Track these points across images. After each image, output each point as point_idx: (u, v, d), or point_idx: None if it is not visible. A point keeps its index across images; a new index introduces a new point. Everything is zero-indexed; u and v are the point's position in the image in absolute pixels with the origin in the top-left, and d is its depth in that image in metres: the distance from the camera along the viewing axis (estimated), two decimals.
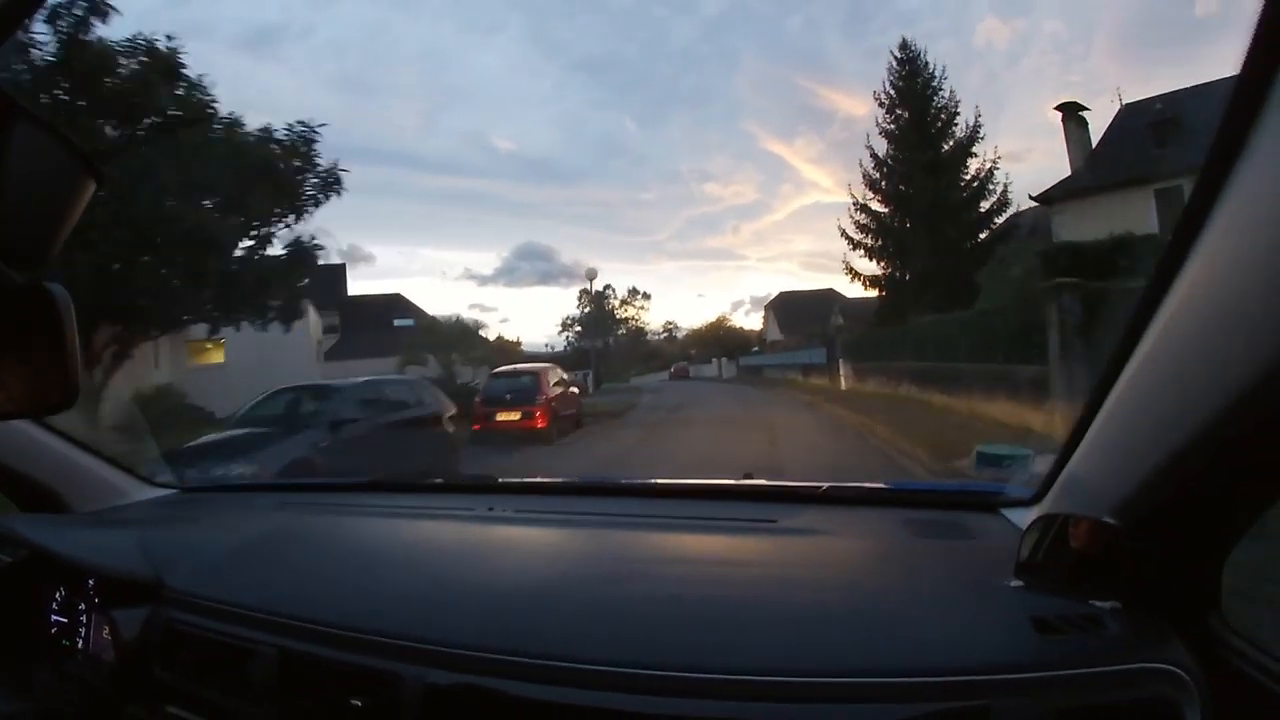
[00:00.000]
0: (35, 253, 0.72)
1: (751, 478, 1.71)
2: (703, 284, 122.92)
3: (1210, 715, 0.86)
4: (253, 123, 12.84)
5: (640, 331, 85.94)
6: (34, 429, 1.74)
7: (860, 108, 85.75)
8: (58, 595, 1.54)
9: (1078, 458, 1.03)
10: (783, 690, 0.92)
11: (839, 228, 27.53)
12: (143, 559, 1.48)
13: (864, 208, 27.16)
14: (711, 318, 76.28)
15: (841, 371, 27.41)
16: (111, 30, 10.50)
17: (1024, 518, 1.19)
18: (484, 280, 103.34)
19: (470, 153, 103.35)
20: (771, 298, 60.83)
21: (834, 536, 1.30)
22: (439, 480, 2.26)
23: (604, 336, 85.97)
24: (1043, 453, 1.27)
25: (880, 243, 26.83)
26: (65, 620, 1.52)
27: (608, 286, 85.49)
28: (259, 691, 1.20)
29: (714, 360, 59.64)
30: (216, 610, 1.34)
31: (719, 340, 67.81)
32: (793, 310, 52.09)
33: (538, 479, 2.00)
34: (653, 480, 1.84)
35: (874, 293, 27.18)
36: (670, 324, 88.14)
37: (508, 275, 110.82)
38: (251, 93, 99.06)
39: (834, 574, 1.16)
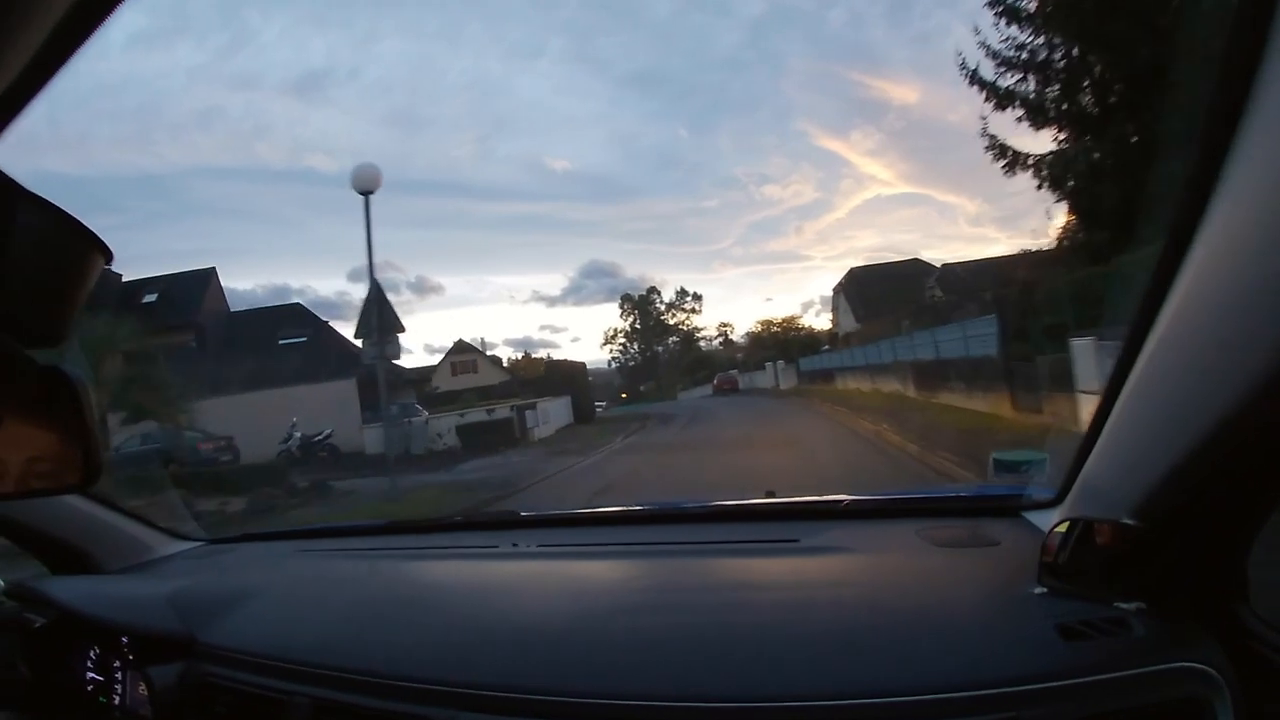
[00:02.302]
0: (50, 333, 0.73)
1: (774, 495, 1.68)
2: (769, 288, 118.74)
3: (1243, 711, 0.87)
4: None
5: (690, 337, 74.92)
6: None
7: (913, 94, 77.77)
8: (92, 654, 1.50)
9: (1095, 457, 1.00)
10: (812, 716, 0.92)
11: (963, 67, 15.15)
12: (174, 615, 1.47)
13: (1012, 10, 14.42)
14: (770, 319, 67.52)
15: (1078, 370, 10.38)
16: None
17: (1046, 520, 1.16)
18: (552, 301, 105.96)
19: (527, 177, 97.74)
20: (840, 279, 47.21)
21: (857, 554, 1.27)
22: (459, 518, 2.25)
23: (650, 345, 76.24)
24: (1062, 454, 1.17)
25: (1051, 87, 14.30)
26: (101, 678, 1.49)
27: (652, 290, 76.81)
28: None
29: (767, 365, 47.34)
30: (249, 663, 1.32)
31: (780, 342, 56.57)
32: (872, 289, 39.08)
33: (558, 511, 1.99)
34: (674, 504, 1.78)
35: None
36: (725, 326, 77.75)
37: (575, 294, 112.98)
38: (307, 135, 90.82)
39: (858, 593, 1.14)
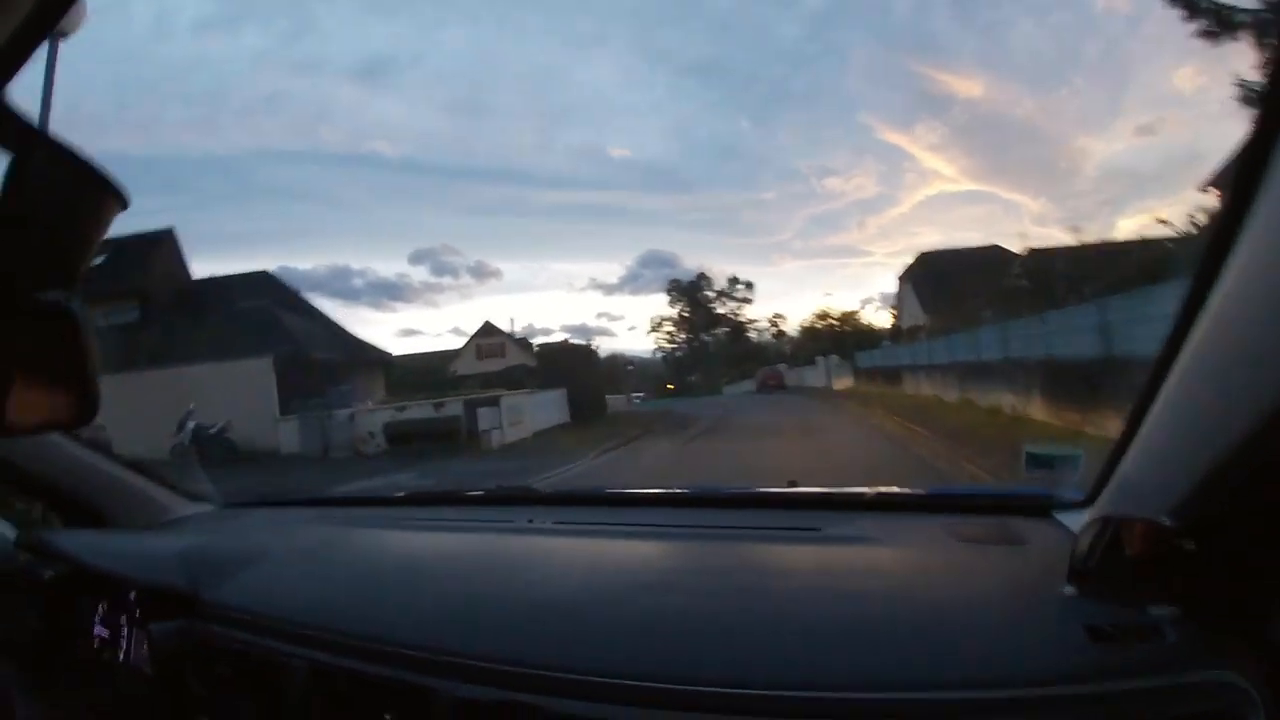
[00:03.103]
0: (63, 274, 0.74)
1: (797, 485, 1.58)
2: (828, 283, 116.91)
3: None
4: None
5: (740, 328, 69.26)
6: (76, 446, 1.75)
7: (978, 88, 75.97)
8: (101, 608, 1.49)
9: (1131, 456, 0.95)
10: (827, 707, 0.89)
11: None
12: (180, 572, 1.47)
13: None
14: (826, 310, 62.55)
15: None
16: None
17: (1077, 521, 1.10)
18: (609, 290, 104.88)
19: (587, 166, 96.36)
20: (907, 265, 40.62)
21: (880, 545, 1.21)
22: (478, 492, 2.06)
23: (699, 335, 70.66)
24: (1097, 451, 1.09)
25: None
26: (108, 633, 1.47)
27: (702, 277, 71.73)
28: (290, 705, 1.18)
29: (819, 360, 40.96)
30: (250, 623, 1.31)
31: (835, 335, 50.59)
32: (945, 277, 32.58)
33: (577, 489, 2.10)
34: (693, 490, 1.72)
35: None
36: (777, 317, 71.78)
37: (632, 283, 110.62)
38: (370, 120, 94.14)
39: (880, 584, 1.08)
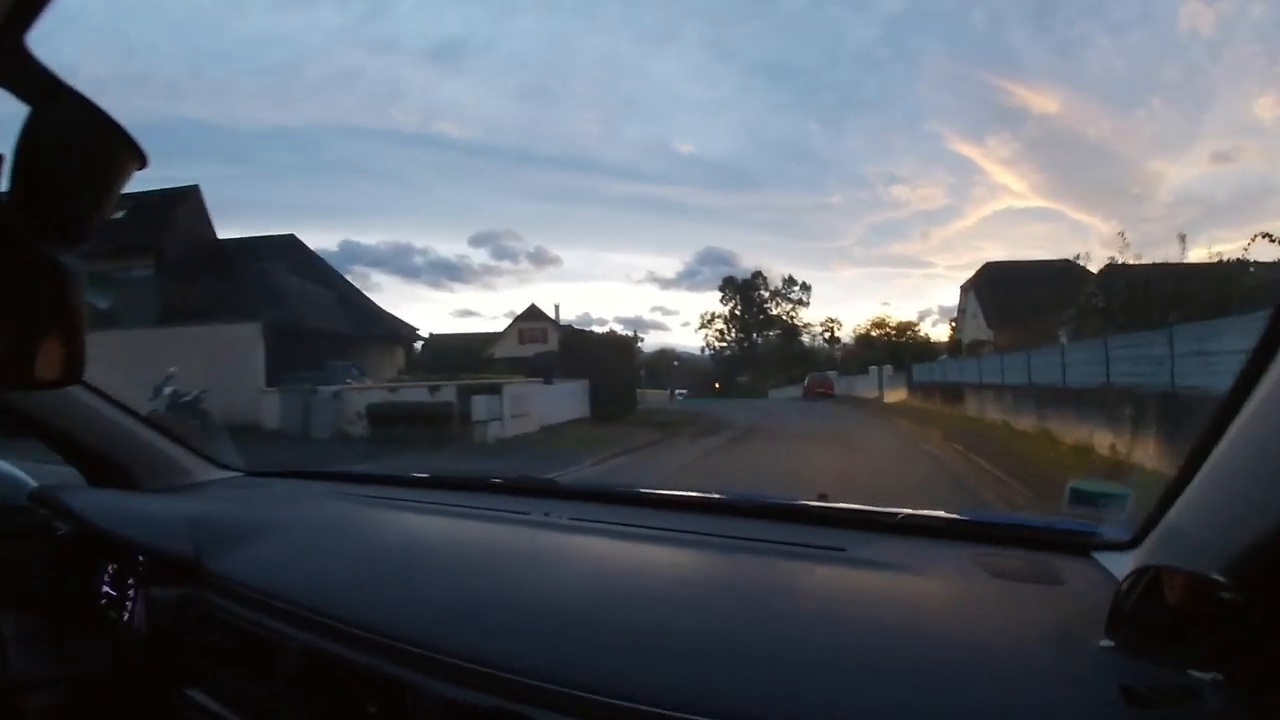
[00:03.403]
0: (74, 228, 0.73)
1: (827, 499, 1.52)
2: (887, 292, 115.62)
3: None
4: None
5: (792, 331, 66.88)
6: (106, 405, 1.72)
7: (1052, 104, 73.99)
8: (110, 568, 1.51)
9: (1185, 499, 0.90)
10: None
11: None
12: (186, 540, 1.47)
13: None
14: (883, 318, 59.98)
15: None
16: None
17: (1119, 564, 1.05)
18: (666, 284, 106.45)
19: (652, 159, 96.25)
20: (971, 276, 37.99)
21: (906, 572, 1.14)
22: (499, 479, 1.98)
23: (750, 335, 71.06)
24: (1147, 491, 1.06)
25: None
26: (115, 593, 1.49)
27: (758, 275, 70.51)
28: (278, 684, 1.17)
29: (871, 370, 37.95)
30: (248, 598, 1.30)
31: (891, 345, 47.70)
32: (1012, 290, 29.98)
33: (600, 486, 2.03)
34: (718, 494, 1.63)
35: None
36: (831, 321, 68.88)
37: (689, 279, 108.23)
38: (440, 102, 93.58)
39: (904, 617, 1.01)
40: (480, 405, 15.16)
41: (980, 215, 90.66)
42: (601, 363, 22.56)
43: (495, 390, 16.02)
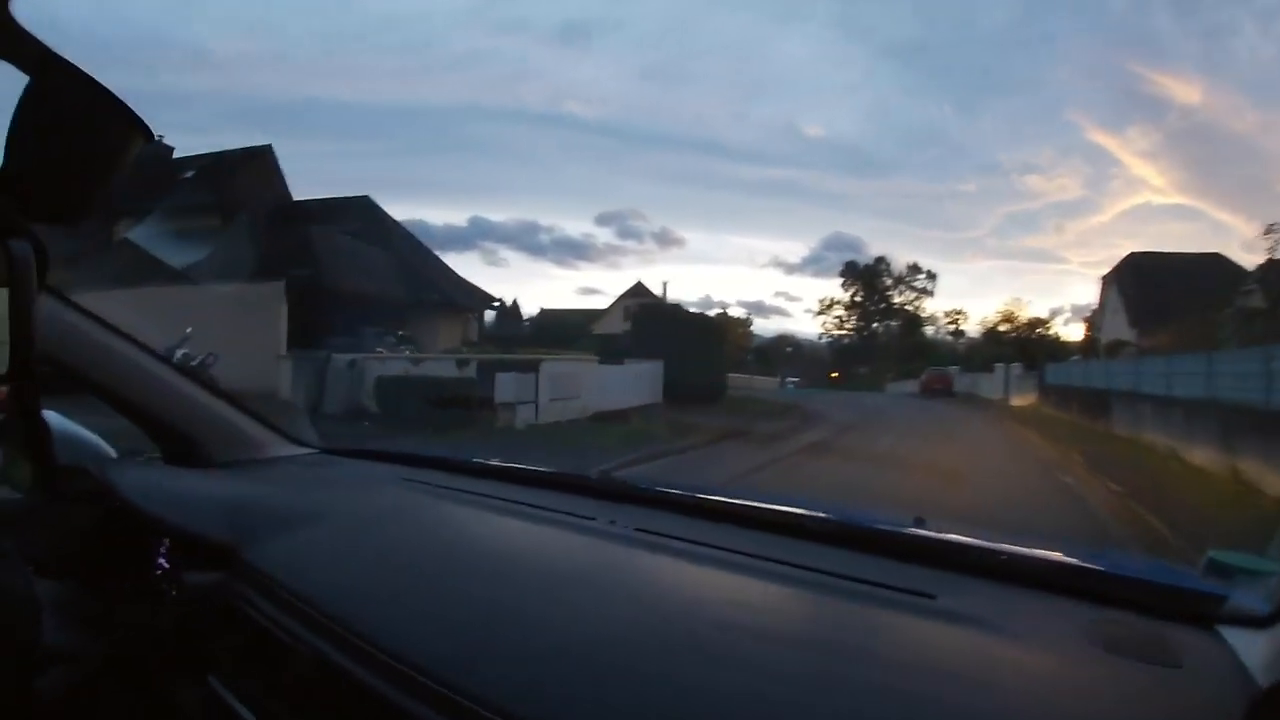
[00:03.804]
0: (73, 206, 0.72)
1: (924, 524, 1.33)
2: (1018, 287, 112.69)
3: None
4: None
5: (914, 321, 64.33)
6: (179, 378, 1.72)
7: (1195, 94, 68.82)
8: (165, 543, 1.43)
9: None
10: None
11: None
12: (224, 524, 1.40)
13: None
14: (1013, 309, 56.10)
15: None
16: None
17: (1249, 643, 0.89)
18: (790, 269, 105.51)
19: (779, 142, 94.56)
20: (1116, 266, 33.68)
21: (1001, 636, 0.96)
22: (572, 476, 1.81)
23: (869, 324, 69.28)
24: None
25: None
26: (168, 567, 1.41)
27: (880, 261, 66.49)
28: (284, 688, 1.14)
29: (997, 368, 33.33)
30: (272, 592, 1.23)
31: (1020, 342, 44.48)
32: (1161, 285, 27.52)
33: (678, 492, 1.58)
34: (801, 511, 1.40)
35: None
36: (956, 313, 64.78)
37: (814, 265, 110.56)
38: (568, 82, 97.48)
39: (990, 698, 0.84)
40: (506, 386, 12.78)
41: (1117, 210, 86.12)
42: (681, 343, 19.78)
43: (530, 368, 13.57)
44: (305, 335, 15.22)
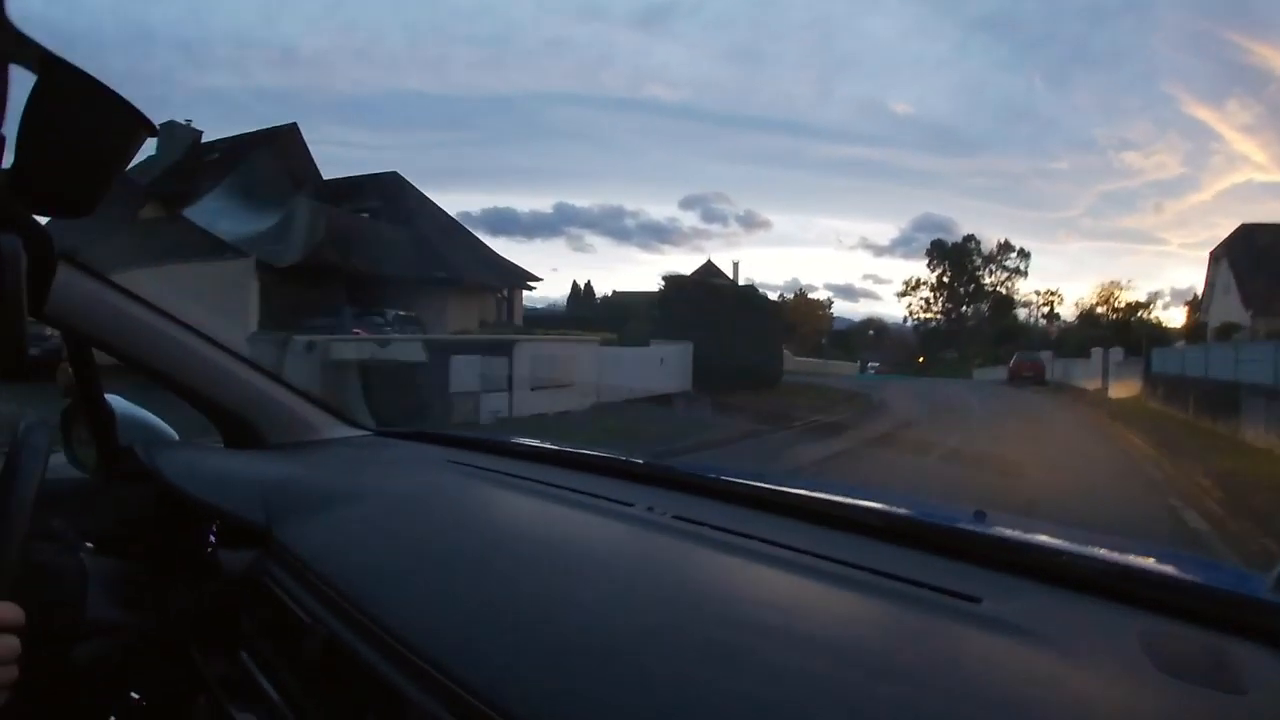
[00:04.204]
0: (78, 201, 0.75)
1: (985, 518, 1.21)
2: (1115, 269, 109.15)
3: None
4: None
5: (1005, 303, 61.52)
6: (234, 362, 1.74)
7: None
8: (215, 524, 1.45)
9: None
10: None
11: None
12: (259, 505, 1.38)
13: None
14: (1112, 288, 52.97)
15: None
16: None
17: None
18: (879, 251, 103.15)
19: (865, 120, 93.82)
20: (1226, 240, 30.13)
21: (1048, 646, 0.85)
22: (622, 461, 1.70)
23: (957, 306, 65.49)
24: None
25: None
26: (214, 545, 1.43)
27: (969, 239, 62.42)
28: (300, 666, 1.12)
29: (1094, 353, 29.25)
30: (299, 572, 1.23)
31: (1121, 325, 40.20)
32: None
33: (720, 477, 1.48)
34: (853, 503, 1.30)
35: None
36: (1050, 294, 60.19)
37: (904, 247, 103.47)
38: (649, 66, 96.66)
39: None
40: (464, 371, 10.59)
41: (1218, 189, 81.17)
42: (720, 322, 17.22)
43: (501, 350, 11.34)
44: (280, 315, 13.58)
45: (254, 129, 22.84)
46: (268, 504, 1.39)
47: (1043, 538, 1.11)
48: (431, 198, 23.39)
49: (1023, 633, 0.86)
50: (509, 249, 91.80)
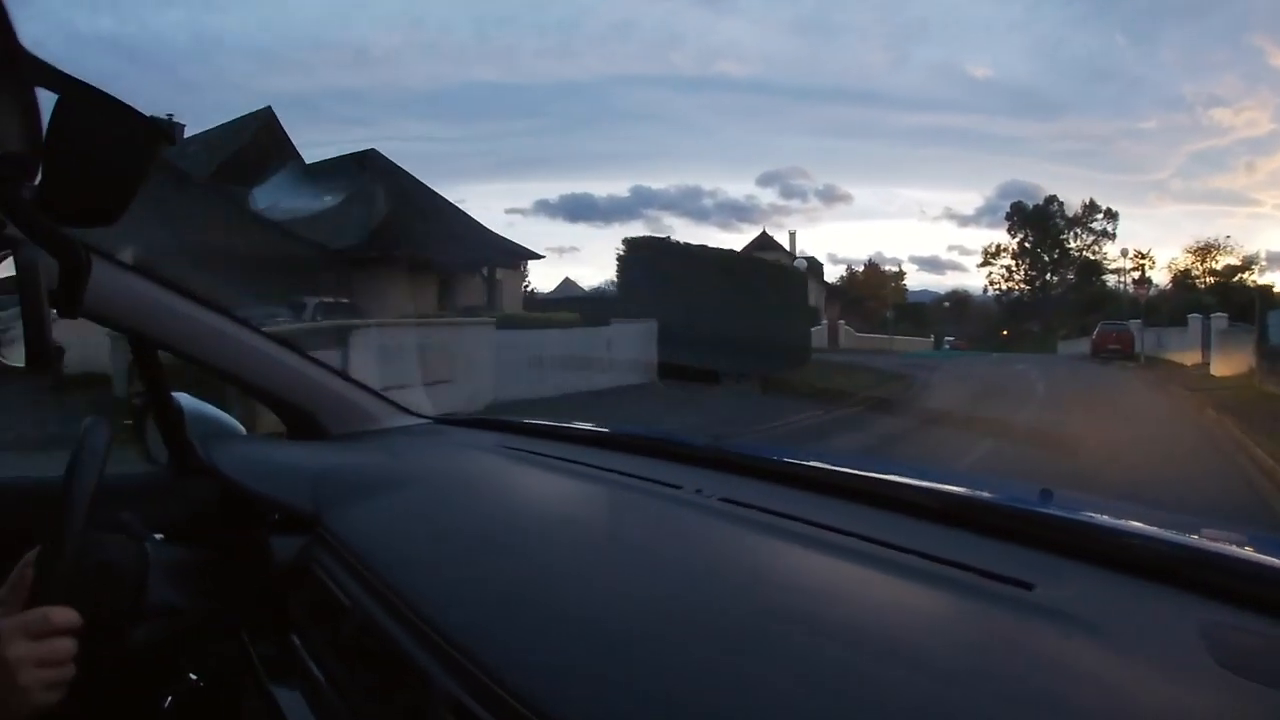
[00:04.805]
0: (101, 211, 0.79)
1: (1051, 498, 1.10)
2: (1208, 233, 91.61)
3: None
4: None
5: (1093, 268, 56.84)
6: (295, 357, 1.77)
7: None
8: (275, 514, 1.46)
9: None
10: None
11: None
12: (309, 494, 1.40)
13: None
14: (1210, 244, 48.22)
15: None
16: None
17: None
18: (964, 221, 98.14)
19: (943, 86, 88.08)
20: None
21: (1102, 639, 0.76)
22: (678, 442, 1.66)
23: (1041, 273, 59.80)
24: None
25: None
26: (272, 533, 1.42)
27: (1051, 200, 57.32)
28: (343, 650, 1.12)
29: (1192, 320, 24.36)
30: (343, 558, 1.23)
31: (1222, 291, 35.67)
32: None
33: (775, 458, 1.43)
34: (905, 481, 1.22)
35: None
36: (1141, 257, 54.18)
37: (990, 216, 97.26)
38: (718, 43, 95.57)
39: None
40: None
41: None
42: (698, 295, 13.87)
43: (336, 340, 8.38)
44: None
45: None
46: (317, 492, 1.39)
47: (1105, 518, 1.05)
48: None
49: (1073, 621, 0.78)
50: (587, 235, 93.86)
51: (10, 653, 0.83)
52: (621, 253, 15.10)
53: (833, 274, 59.80)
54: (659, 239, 17.89)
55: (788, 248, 46.40)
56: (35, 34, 0.67)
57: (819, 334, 36.72)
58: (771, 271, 20.02)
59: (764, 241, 45.60)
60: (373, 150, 21.23)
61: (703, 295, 14.00)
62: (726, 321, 13.51)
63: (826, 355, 26.79)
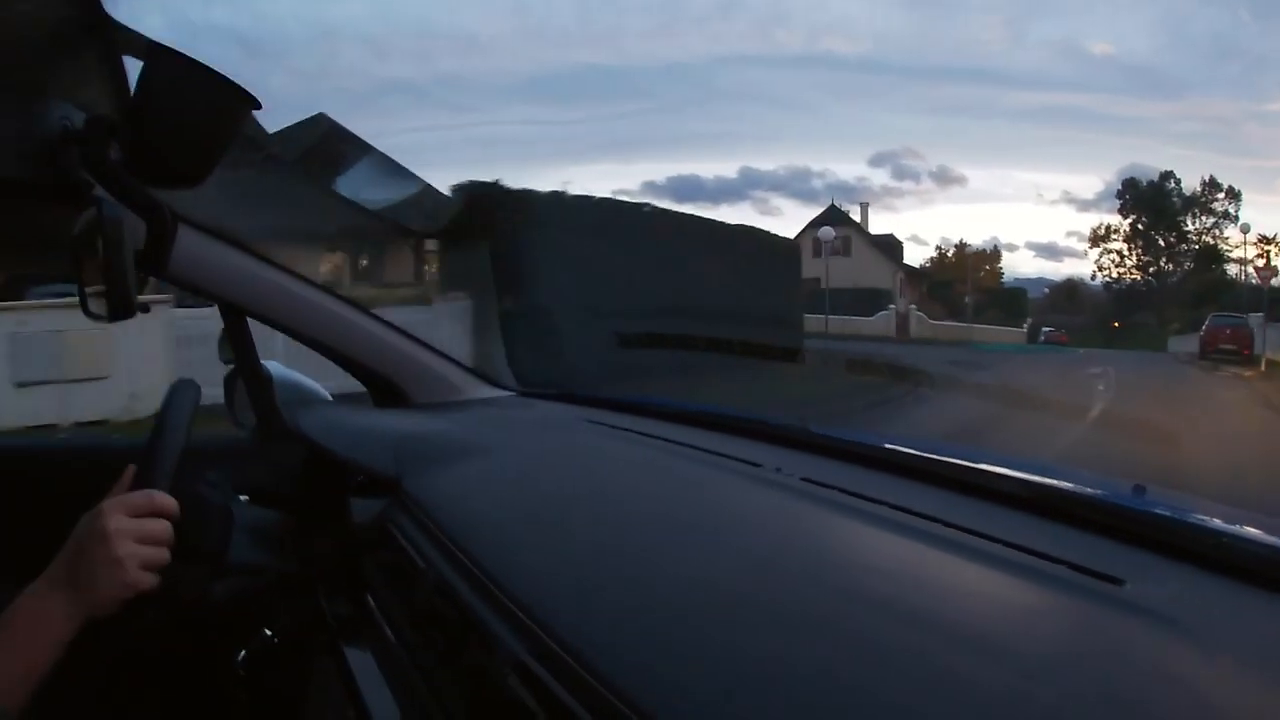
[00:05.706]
0: (186, 173, 0.81)
1: (1144, 493, 1.04)
2: None
3: None
4: None
5: (1212, 254, 50.11)
6: (381, 327, 1.74)
7: None
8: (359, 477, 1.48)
9: None
10: None
11: None
12: (390, 458, 1.37)
13: None
14: None
15: None
16: None
17: None
18: (1084, 205, 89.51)
19: (1062, 64, 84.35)
20: None
21: (1192, 642, 0.71)
22: (767, 422, 1.57)
23: (1156, 259, 53.50)
24: None
25: None
26: (353, 496, 1.47)
27: (1167, 177, 51.93)
28: (416, 613, 1.11)
29: None
30: (419, 521, 1.21)
31: None
32: None
33: (863, 441, 1.34)
34: (997, 469, 1.12)
35: None
36: (1266, 242, 46.89)
37: (1110, 201, 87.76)
38: (826, 19, 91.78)
39: None
40: None
41: None
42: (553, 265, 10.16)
43: None
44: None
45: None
46: (399, 457, 1.38)
47: (1203, 517, 0.97)
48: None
49: (1165, 621, 0.74)
50: None
51: (111, 525, 0.83)
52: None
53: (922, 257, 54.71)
54: (491, 185, 12.33)
55: (858, 220, 42.04)
56: (153, 28, 0.71)
57: (883, 321, 32.48)
58: (731, 236, 15.06)
59: (831, 214, 41.20)
60: (322, 115, 18.45)
61: (565, 267, 10.17)
62: (628, 303, 9.43)
63: (878, 346, 22.56)
